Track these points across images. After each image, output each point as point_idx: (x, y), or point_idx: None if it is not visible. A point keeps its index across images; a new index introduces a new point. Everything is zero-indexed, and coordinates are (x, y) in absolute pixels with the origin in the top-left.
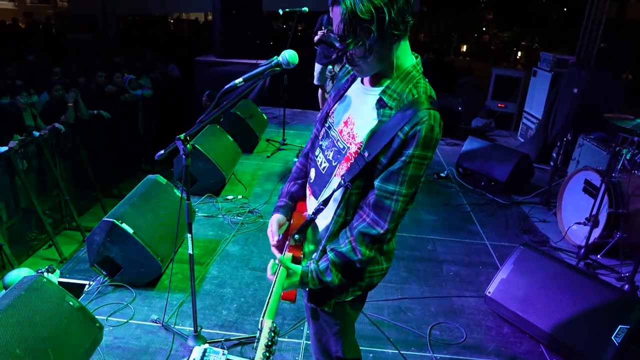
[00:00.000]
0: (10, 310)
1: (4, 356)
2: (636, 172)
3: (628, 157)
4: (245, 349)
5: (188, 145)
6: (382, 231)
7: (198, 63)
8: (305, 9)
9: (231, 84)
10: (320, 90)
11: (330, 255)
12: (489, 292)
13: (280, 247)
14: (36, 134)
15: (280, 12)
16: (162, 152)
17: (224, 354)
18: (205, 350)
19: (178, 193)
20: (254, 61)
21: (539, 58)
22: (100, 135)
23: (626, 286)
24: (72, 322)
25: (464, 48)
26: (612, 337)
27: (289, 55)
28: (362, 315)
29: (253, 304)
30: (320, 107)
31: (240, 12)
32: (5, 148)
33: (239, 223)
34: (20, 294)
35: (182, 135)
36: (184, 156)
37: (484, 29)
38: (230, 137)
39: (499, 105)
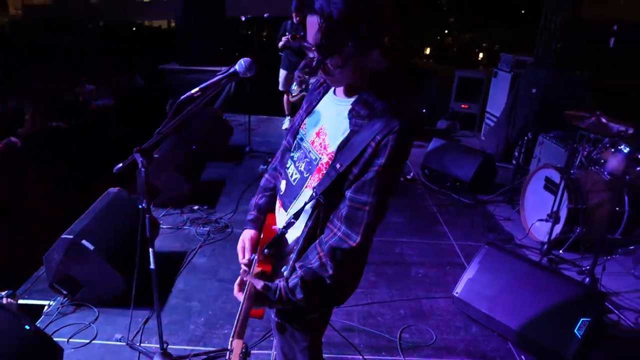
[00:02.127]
0: None
1: None
2: (593, 168)
3: (585, 154)
4: None
5: (147, 157)
6: (354, 245)
7: (162, 71)
8: (267, 15)
9: (187, 94)
10: (285, 96)
11: (300, 272)
12: (457, 293)
13: (250, 263)
14: None
15: (243, 18)
16: (120, 165)
17: None
18: None
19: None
20: (220, 68)
21: (499, 59)
22: (59, 149)
23: (587, 279)
24: (28, 348)
25: (427, 51)
26: (575, 330)
27: (245, 64)
28: (332, 320)
29: (221, 316)
30: (286, 113)
31: (203, 18)
32: None
33: (206, 234)
34: None
35: (140, 148)
36: (142, 169)
37: (446, 31)
38: (194, 146)
39: (462, 106)
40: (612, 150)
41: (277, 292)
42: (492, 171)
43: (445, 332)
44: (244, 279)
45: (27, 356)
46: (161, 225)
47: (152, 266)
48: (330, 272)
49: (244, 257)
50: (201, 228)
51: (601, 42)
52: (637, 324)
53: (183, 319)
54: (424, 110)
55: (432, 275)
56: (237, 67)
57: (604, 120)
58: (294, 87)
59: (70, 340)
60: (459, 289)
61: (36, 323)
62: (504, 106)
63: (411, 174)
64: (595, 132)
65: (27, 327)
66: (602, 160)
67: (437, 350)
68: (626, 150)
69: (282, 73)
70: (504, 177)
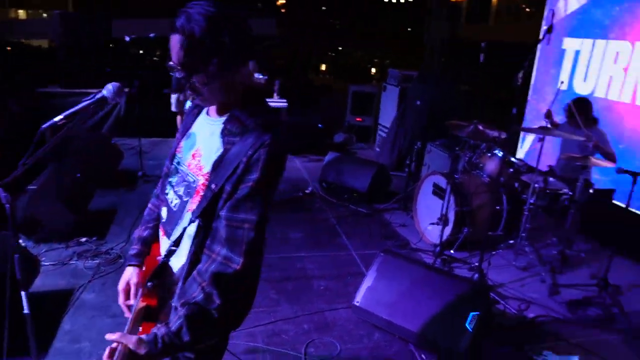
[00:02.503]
0: None
1: None
2: (474, 172)
3: (467, 160)
4: None
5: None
6: (238, 267)
7: (41, 95)
8: (152, 35)
9: (50, 122)
10: (178, 117)
11: (183, 311)
12: (357, 302)
13: (130, 306)
14: None
15: (127, 38)
16: None
17: None
18: None
19: (22, 242)
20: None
21: (387, 74)
22: None
23: (475, 275)
24: None
25: (323, 67)
26: (467, 325)
27: (113, 88)
28: (233, 344)
29: None
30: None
31: (86, 38)
32: None
33: (95, 267)
34: None
35: (2, 182)
36: (7, 205)
37: (339, 48)
38: (78, 174)
39: (357, 119)
40: (489, 154)
41: (159, 341)
42: (386, 180)
43: (349, 342)
44: (111, 339)
45: None
46: (43, 262)
47: (25, 311)
48: (218, 302)
49: (125, 299)
50: (90, 261)
51: (476, 59)
52: (520, 310)
53: None
54: (320, 125)
55: (333, 287)
56: (104, 92)
57: (480, 127)
58: (187, 105)
59: None
60: (359, 298)
61: None
62: (394, 118)
63: (310, 189)
64: (474, 139)
65: None
66: (481, 165)
67: None
68: (500, 154)
69: (174, 94)
70: (398, 185)
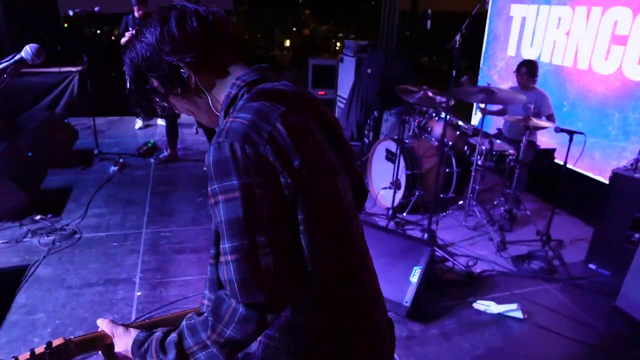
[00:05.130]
0: None
1: None
2: (423, 136)
3: (416, 124)
4: None
5: None
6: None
7: None
8: (97, 9)
9: None
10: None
11: (183, 324)
12: None
13: None
14: None
15: (71, 12)
16: None
17: None
18: None
19: None
20: (55, 69)
21: (344, 45)
22: None
23: (425, 235)
24: None
25: (287, 43)
26: (410, 279)
27: (32, 50)
28: None
29: (71, 323)
30: None
31: (32, 16)
32: None
33: (51, 243)
34: None
35: None
36: None
37: (305, 24)
38: (30, 153)
39: (319, 92)
40: (437, 118)
41: (149, 342)
42: None
43: None
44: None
45: None
46: None
47: None
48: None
49: None
50: (45, 238)
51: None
52: (468, 267)
53: (25, 334)
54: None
55: None
56: (22, 53)
57: (430, 94)
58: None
59: None
60: None
61: None
62: (350, 89)
63: None
64: (423, 104)
65: None
66: (429, 128)
67: None
68: (448, 117)
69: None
70: (358, 154)
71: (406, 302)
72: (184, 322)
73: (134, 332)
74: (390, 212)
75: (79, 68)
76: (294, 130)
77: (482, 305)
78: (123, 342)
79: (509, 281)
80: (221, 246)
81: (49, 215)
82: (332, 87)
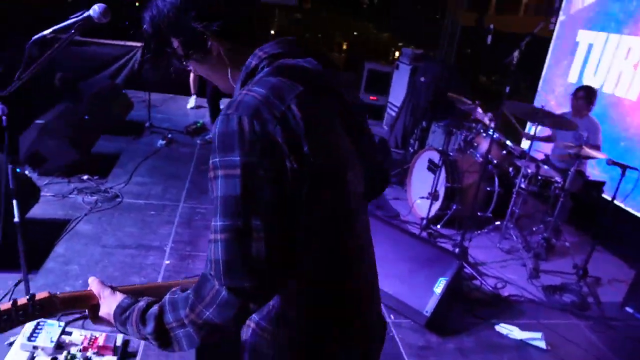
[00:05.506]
0: None
1: None
2: (469, 151)
3: (462, 138)
4: (87, 322)
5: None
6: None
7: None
8: None
9: (40, 35)
10: (192, 75)
11: (166, 297)
12: None
13: None
14: None
15: None
16: None
17: (59, 326)
18: (38, 323)
19: (27, 173)
20: (121, 42)
21: (401, 53)
22: None
23: (457, 250)
24: None
25: (345, 46)
26: (434, 289)
27: (100, 9)
28: None
29: (100, 279)
30: (192, 91)
31: None
32: None
33: (93, 202)
34: None
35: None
36: (3, 117)
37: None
38: (86, 117)
39: (371, 98)
40: (484, 135)
41: (130, 310)
42: (386, 154)
43: None
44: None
45: None
46: (44, 193)
47: (16, 219)
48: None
49: None
50: (89, 197)
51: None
52: (496, 288)
53: (59, 282)
54: None
55: None
56: (90, 11)
57: (479, 109)
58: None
59: None
60: None
61: None
62: (404, 97)
63: None
64: (472, 118)
65: None
66: (475, 144)
67: None
68: (495, 135)
69: None
70: (401, 162)
71: (427, 311)
72: (166, 296)
73: (119, 297)
74: (425, 222)
75: (142, 44)
76: (308, 113)
77: (505, 328)
78: (107, 305)
79: (537, 310)
80: (212, 223)
81: (96, 177)
82: (385, 94)
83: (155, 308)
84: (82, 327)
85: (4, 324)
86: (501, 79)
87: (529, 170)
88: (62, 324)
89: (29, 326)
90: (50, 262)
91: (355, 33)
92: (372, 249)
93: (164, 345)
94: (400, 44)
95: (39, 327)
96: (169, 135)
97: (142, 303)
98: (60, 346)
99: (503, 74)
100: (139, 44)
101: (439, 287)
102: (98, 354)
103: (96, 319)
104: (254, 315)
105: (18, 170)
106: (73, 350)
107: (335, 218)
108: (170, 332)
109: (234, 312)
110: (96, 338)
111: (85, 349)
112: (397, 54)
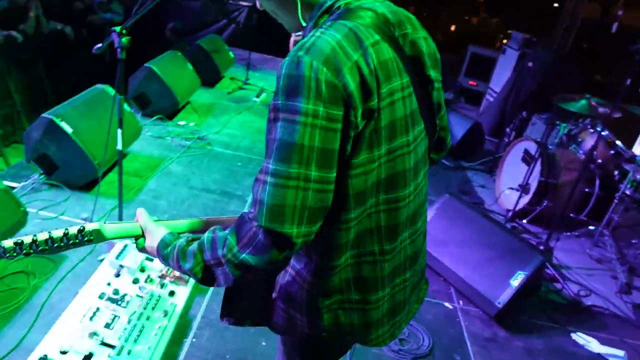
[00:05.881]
0: None
1: None
2: (571, 146)
3: (565, 132)
4: None
5: (124, 40)
6: (253, 228)
7: None
8: None
9: None
10: (293, 37)
11: (205, 235)
12: None
13: None
14: None
15: None
16: (100, 45)
17: None
18: (125, 245)
19: (127, 108)
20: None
21: (510, 36)
22: (61, 53)
23: (541, 247)
24: None
25: (453, 28)
26: (510, 281)
27: None
28: None
29: (185, 217)
30: None
31: None
32: None
33: (186, 147)
34: None
35: (117, 28)
36: (118, 49)
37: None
38: (190, 66)
39: (470, 82)
40: (591, 130)
41: (173, 246)
42: (480, 139)
43: None
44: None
45: None
46: (145, 132)
47: (118, 147)
48: (224, 250)
49: None
50: (183, 141)
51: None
52: (578, 295)
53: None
54: None
55: None
56: None
57: (593, 102)
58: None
59: (39, 211)
60: None
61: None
62: (505, 83)
63: None
64: (581, 113)
65: None
66: (580, 139)
67: None
68: (604, 133)
69: None
70: (492, 150)
71: (499, 302)
72: (205, 234)
73: (162, 232)
74: (510, 214)
75: (249, 3)
76: (381, 65)
77: (582, 338)
78: (151, 239)
79: (623, 327)
80: (264, 163)
81: (191, 124)
82: (486, 80)
83: (194, 245)
84: None
85: (57, 249)
86: (617, 79)
87: (638, 177)
88: None
89: (118, 247)
90: (142, 194)
91: (466, 17)
92: (425, 215)
93: (202, 280)
94: (509, 32)
95: (126, 249)
96: (264, 94)
97: (182, 240)
98: (142, 269)
99: (624, 67)
100: (246, 3)
101: (516, 280)
102: (174, 283)
103: (142, 249)
104: (295, 264)
105: (125, 105)
106: (153, 274)
107: (386, 177)
108: (208, 269)
109: (269, 255)
110: None
111: (163, 277)
112: (505, 41)
